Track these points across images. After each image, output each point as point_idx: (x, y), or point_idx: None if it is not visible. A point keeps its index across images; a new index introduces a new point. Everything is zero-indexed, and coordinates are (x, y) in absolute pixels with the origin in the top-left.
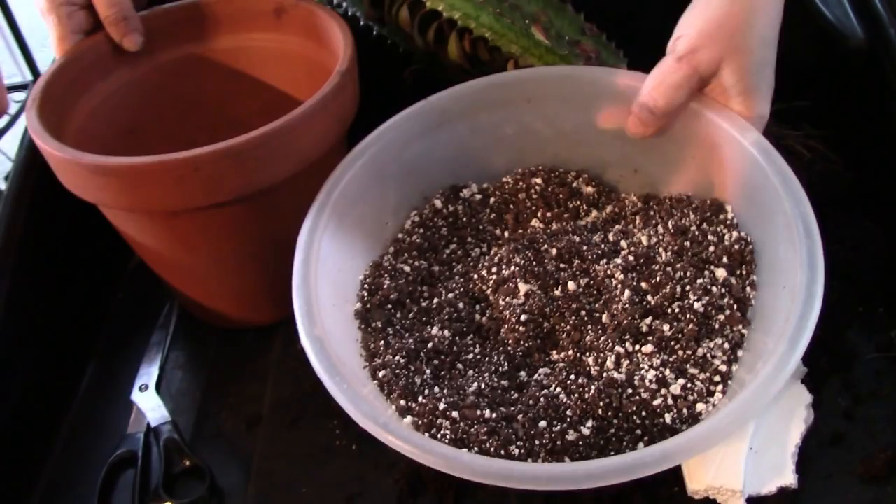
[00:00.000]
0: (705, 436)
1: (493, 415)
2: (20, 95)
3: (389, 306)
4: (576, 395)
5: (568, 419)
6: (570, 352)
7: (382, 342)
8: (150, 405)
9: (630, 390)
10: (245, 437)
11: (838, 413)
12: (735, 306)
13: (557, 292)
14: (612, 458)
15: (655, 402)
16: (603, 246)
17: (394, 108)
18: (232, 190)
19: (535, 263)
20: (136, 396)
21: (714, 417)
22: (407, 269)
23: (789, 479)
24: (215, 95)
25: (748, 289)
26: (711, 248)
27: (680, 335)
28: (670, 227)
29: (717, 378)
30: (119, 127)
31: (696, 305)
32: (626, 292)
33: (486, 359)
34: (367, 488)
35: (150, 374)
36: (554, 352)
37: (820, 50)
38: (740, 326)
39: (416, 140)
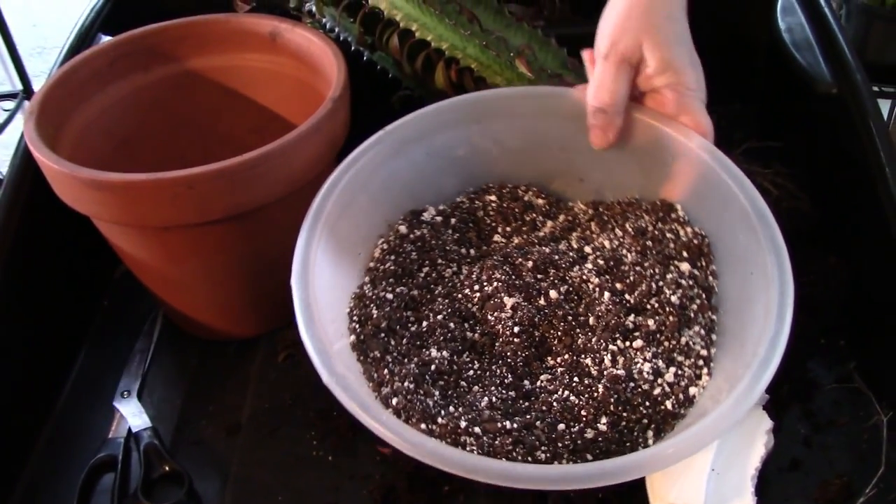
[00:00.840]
0: (699, 436)
1: (514, 425)
2: (9, 104)
3: (383, 335)
4: (586, 396)
5: (584, 419)
6: (566, 356)
7: (386, 371)
8: (131, 411)
9: (632, 384)
10: (224, 445)
11: (797, 440)
12: (703, 295)
13: (542, 301)
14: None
15: (656, 392)
16: (571, 254)
17: (379, 129)
18: (224, 208)
19: (514, 277)
20: (119, 402)
21: (700, 424)
22: (390, 296)
23: (748, 500)
24: (208, 112)
25: (710, 278)
26: (672, 245)
27: (664, 327)
28: (629, 228)
29: (701, 362)
30: (113, 139)
31: (673, 298)
32: (606, 294)
33: (488, 373)
34: (341, 498)
35: (132, 381)
36: (549, 358)
37: (791, 93)
38: (709, 313)
39: (379, 169)
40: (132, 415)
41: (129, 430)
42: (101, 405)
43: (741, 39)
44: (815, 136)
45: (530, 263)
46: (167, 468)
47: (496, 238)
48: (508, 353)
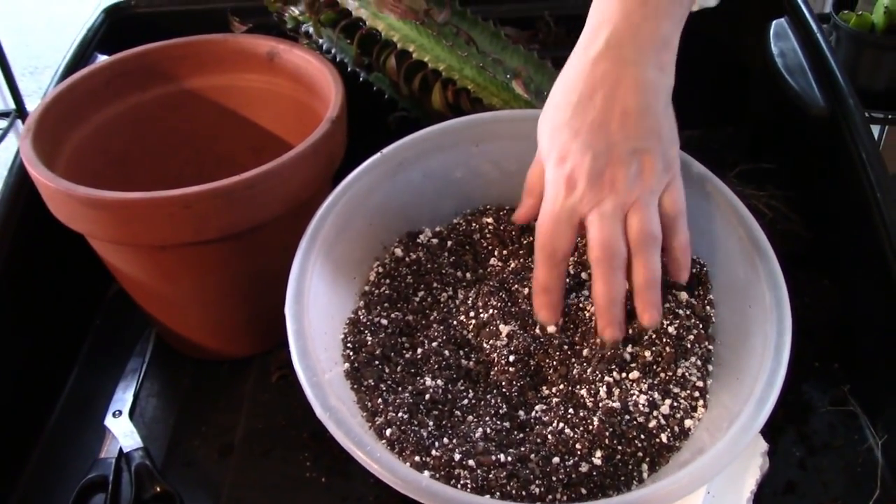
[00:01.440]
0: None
1: (508, 458)
2: (2, 123)
3: (377, 362)
4: (581, 429)
5: (578, 452)
6: (561, 386)
7: (380, 400)
8: (123, 431)
9: (627, 416)
10: (216, 466)
11: (793, 462)
12: (700, 325)
13: (537, 330)
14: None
15: (651, 424)
16: (567, 280)
17: (376, 151)
18: (220, 228)
19: (510, 304)
20: (110, 422)
21: (697, 462)
22: (384, 322)
23: None
24: (205, 131)
25: (708, 307)
26: (669, 274)
27: (660, 358)
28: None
29: (696, 394)
30: (109, 158)
31: (670, 329)
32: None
33: (482, 402)
34: None
35: (124, 400)
36: (544, 387)
37: (784, 117)
38: (706, 343)
39: (375, 191)
40: (123, 435)
41: (121, 450)
42: (93, 425)
43: (734, 64)
44: (808, 159)
45: (526, 290)
46: (158, 489)
47: (492, 261)
48: (503, 383)
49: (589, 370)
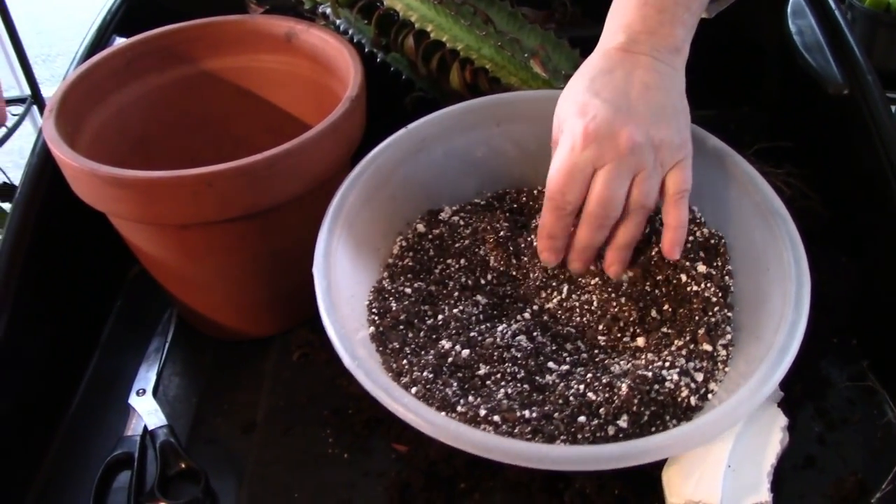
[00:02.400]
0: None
1: (533, 414)
2: (17, 109)
3: (401, 327)
4: (606, 393)
5: (602, 415)
6: (585, 354)
7: (405, 361)
8: (147, 409)
9: (657, 385)
10: (240, 443)
11: (812, 437)
12: (720, 294)
13: (554, 302)
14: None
15: (676, 391)
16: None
17: (393, 132)
18: (243, 206)
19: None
20: (134, 401)
21: (714, 411)
22: (408, 290)
23: (764, 496)
24: (223, 112)
25: (726, 277)
26: (689, 246)
27: (682, 327)
28: (646, 230)
29: (719, 359)
30: (129, 139)
31: (694, 301)
32: (622, 294)
33: (504, 366)
34: (357, 495)
35: (147, 379)
36: (565, 354)
37: (803, 94)
38: (726, 310)
39: (399, 166)
40: (148, 413)
41: (145, 427)
42: (117, 403)
43: (751, 42)
44: (826, 136)
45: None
46: (183, 465)
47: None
48: (526, 348)
49: (612, 337)
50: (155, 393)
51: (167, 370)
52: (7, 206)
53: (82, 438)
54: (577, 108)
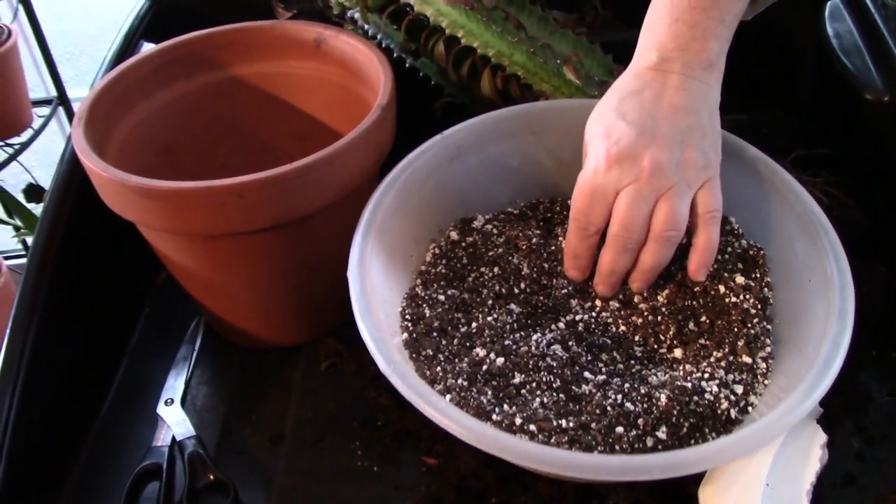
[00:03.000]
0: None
1: (570, 424)
2: (44, 110)
3: (435, 334)
4: (645, 404)
5: (640, 427)
6: (621, 365)
7: (439, 368)
8: (175, 419)
9: (696, 397)
10: (268, 454)
11: (851, 454)
12: (759, 306)
13: (596, 309)
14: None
15: (716, 403)
16: None
17: (422, 139)
18: (272, 217)
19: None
20: (162, 410)
21: (755, 424)
22: (442, 297)
23: None
24: (251, 119)
25: (765, 289)
26: (727, 257)
27: (721, 339)
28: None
29: (759, 372)
30: (157, 146)
31: (733, 312)
32: (662, 306)
33: (539, 374)
34: None
35: (175, 388)
36: (602, 364)
37: (840, 99)
38: (765, 322)
39: (434, 173)
40: (176, 423)
41: (173, 438)
42: (145, 413)
43: (786, 45)
44: (865, 143)
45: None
46: (212, 477)
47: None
48: (561, 357)
49: (648, 349)
50: (183, 402)
51: (195, 379)
52: (33, 206)
53: (111, 448)
54: (603, 131)
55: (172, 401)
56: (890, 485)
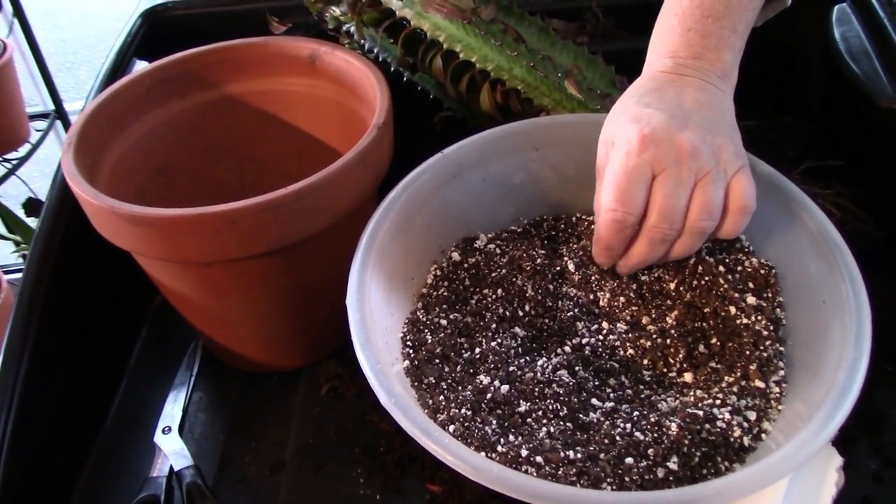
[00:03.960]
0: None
1: (577, 455)
2: (41, 124)
3: (437, 361)
4: (655, 433)
5: (651, 457)
6: (630, 391)
7: (442, 397)
8: (173, 448)
9: (708, 425)
10: (268, 483)
11: (868, 476)
12: (771, 327)
13: (603, 332)
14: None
15: (729, 430)
16: (633, 285)
17: (421, 154)
18: (267, 242)
19: (590, 304)
20: (160, 439)
21: (788, 446)
22: (444, 322)
23: None
24: (246, 137)
25: (778, 310)
26: (738, 276)
27: (732, 363)
28: (692, 261)
29: (772, 396)
30: (150, 168)
31: (744, 334)
32: (670, 329)
33: (545, 403)
34: None
35: (173, 416)
36: (609, 391)
37: (849, 105)
38: (777, 345)
39: (435, 193)
40: (174, 453)
41: (171, 468)
42: (143, 441)
43: (792, 50)
44: (876, 152)
45: (591, 296)
46: None
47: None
48: (568, 384)
49: (658, 374)
50: (181, 429)
51: (193, 405)
52: (33, 220)
53: (108, 479)
54: (629, 118)
55: (170, 429)
56: None
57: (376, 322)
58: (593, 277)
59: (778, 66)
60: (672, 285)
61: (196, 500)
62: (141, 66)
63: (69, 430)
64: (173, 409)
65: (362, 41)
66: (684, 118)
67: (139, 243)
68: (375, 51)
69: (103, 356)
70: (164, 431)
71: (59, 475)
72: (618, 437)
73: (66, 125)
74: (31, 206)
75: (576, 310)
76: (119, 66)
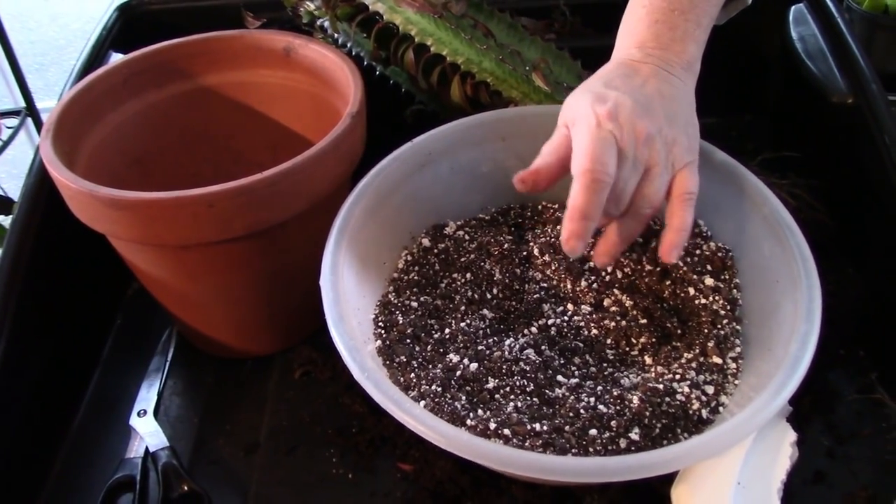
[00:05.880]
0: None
1: (543, 427)
2: (12, 122)
3: (408, 341)
4: (617, 406)
5: (614, 429)
6: (593, 368)
7: (413, 374)
8: (148, 430)
9: (668, 398)
10: (242, 464)
11: (821, 452)
12: (728, 307)
13: (564, 318)
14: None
15: (688, 403)
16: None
17: (393, 145)
18: (243, 226)
19: (556, 287)
20: (135, 422)
21: (744, 412)
22: (415, 304)
23: None
24: (222, 128)
25: (734, 290)
26: (696, 259)
27: (691, 341)
28: (651, 246)
29: (728, 372)
30: (127, 157)
31: (702, 314)
32: (631, 310)
33: (512, 380)
34: None
35: (148, 399)
36: (574, 367)
37: (805, 103)
38: (734, 323)
39: (405, 181)
40: (149, 434)
41: (147, 449)
42: (118, 424)
43: (751, 50)
44: (831, 146)
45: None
46: (186, 488)
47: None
48: (534, 362)
49: (620, 351)
50: (156, 413)
51: (168, 389)
52: (3, 218)
53: (84, 460)
54: (593, 97)
55: (145, 412)
56: (859, 481)
57: (349, 303)
58: (557, 262)
59: (738, 64)
60: (633, 269)
61: (172, 480)
62: (117, 58)
63: (45, 413)
64: (148, 394)
65: (336, 35)
66: (647, 106)
67: (116, 227)
68: (349, 45)
69: (79, 342)
70: (139, 414)
71: (36, 457)
72: (582, 411)
73: (38, 123)
74: (2, 204)
75: (542, 292)
76: (95, 58)
